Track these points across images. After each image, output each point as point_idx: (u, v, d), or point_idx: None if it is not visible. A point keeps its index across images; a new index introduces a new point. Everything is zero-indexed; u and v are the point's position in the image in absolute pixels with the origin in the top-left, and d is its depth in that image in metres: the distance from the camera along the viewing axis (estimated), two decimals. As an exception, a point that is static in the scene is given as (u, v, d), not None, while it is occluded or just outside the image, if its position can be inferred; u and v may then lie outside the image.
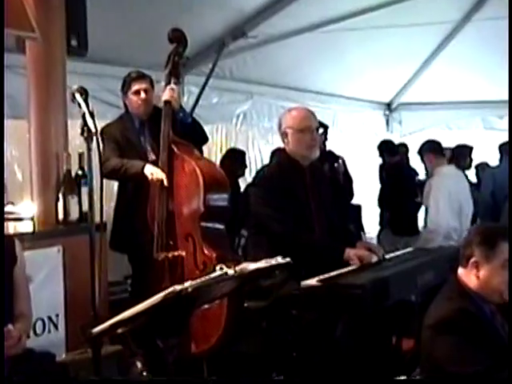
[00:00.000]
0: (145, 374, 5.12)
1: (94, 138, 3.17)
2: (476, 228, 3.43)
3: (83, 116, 3.28)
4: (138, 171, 4.99)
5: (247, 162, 8.43)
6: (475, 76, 9.50)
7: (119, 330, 2.49)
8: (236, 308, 4.44)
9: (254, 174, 7.73)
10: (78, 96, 3.38)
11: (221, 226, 4.98)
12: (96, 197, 3.43)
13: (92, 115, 3.30)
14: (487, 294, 3.26)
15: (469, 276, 3.29)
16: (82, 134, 3.24)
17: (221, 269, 2.51)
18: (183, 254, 4.84)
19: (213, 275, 2.48)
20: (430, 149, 7.36)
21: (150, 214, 4.96)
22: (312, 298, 3.93)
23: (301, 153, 4.59)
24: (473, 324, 3.11)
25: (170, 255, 4.85)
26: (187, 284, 2.33)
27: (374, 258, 4.46)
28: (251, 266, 2.69)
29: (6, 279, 3.39)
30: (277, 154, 4.73)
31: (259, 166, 8.75)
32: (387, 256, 4.60)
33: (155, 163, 4.97)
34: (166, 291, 2.32)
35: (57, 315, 4.37)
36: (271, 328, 4.65)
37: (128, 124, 5.33)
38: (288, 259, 3.05)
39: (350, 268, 4.28)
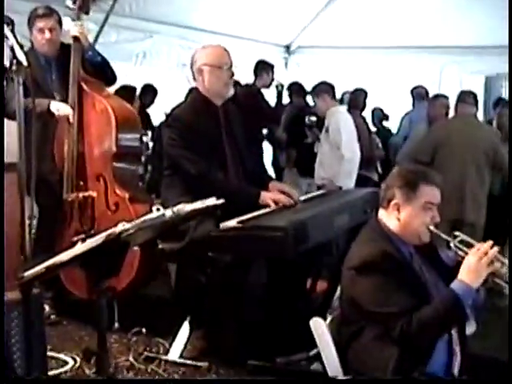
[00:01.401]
0: (53, 317, 5.07)
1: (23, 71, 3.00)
2: (397, 170, 3.43)
3: (11, 48, 3.08)
4: (44, 109, 4.81)
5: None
6: (376, 20, 9.55)
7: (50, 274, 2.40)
8: (149, 250, 4.38)
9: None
10: (5, 27, 3.17)
11: (133, 167, 4.89)
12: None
13: (21, 47, 3.12)
14: (407, 236, 3.30)
15: (390, 218, 3.31)
16: (11, 67, 3.05)
17: (157, 209, 2.45)
18: (94, 194, 4.74)
19: (151, 216, 2.41)
20: (324, 90, 7.39)
21: (59, 154, 4.83)
22: (232, 239, 3.91)
23: (217, 90, 4.52)
24: (393, 265, 3.14)
25: (80, 196, 4.73)
26: (127, 225, 2.26)
27: (290, 201, 4.48)
28: (187, 206, 2.64)
29: None
30: (192, 93, 4.60)
31: (160, 106, 8.65)
32: (301, 198, 4.63)
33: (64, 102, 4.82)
34: (107, 233, 2.24)
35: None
36: (185, 271, 4.63)
37: (33, 61, 5.09)
38: (222, 200, 3.01)
39: (267, 210, 4.27)
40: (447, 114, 7.06)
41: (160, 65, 8.96)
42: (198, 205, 2.81)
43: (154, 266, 4.76)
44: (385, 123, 9.92)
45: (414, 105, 8.63)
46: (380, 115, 9.84)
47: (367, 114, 8.95)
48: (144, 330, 4.65)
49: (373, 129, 9.21)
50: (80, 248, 2.28)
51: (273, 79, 8.46)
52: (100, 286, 2.51)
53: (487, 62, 9.96)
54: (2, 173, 4.16)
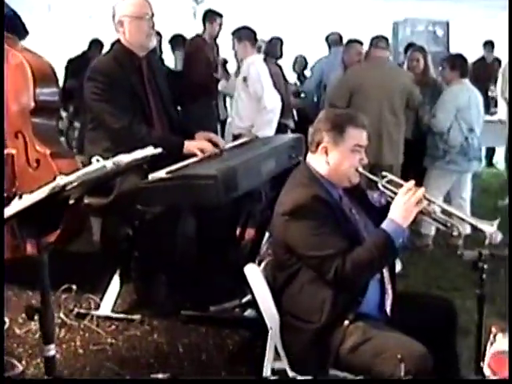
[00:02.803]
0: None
1: None
2: (325, 114, 3.43)
3: None
4: None
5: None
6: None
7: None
8: (75, 205, 4.31)
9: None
10: None
11: (52, 122, 4.78)
12: None
13: None
14: (336, 179, 3.34)
15: (318, 161, 3.34)
16: None
17: (97, 161, 2.41)
18: (13, 152, 4.62)
19: (92, 168, 2.37)
20: (246, 36, 7.31)
21: (-28, 111, 4.66)
22: (161, 190, 3.88)
23: (139, 41, 4.45)
24: (324, 208, 3.17)
25: (-2, 154, 4.61)
26: (70, 178, 2.21)
27: (215, 149, 4.46)
28: (126, 157, 2.60)
29: None
30: (115, 45, 4.50)
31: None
32: (226, 146, 4.62)
33: None
34: (51, 186, 2.19)
35: None
36: (112, 225, 4.59)
37: None
38: (159, 149, 2.98)
39: (194, 159, 4.25)
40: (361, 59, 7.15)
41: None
42: (138, 154, 2.77)
43: (80, 222, 4.69)
44: (306, 71, 9.95)
45: (329, 51, 8.67)
46: (303, 63, 9.86)
47: (287, 61, 8.95)
48: (74, 286, 4.61)
49: (294, 76, 9.24)
50: (22, 203, 2.22)
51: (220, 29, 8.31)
52: (41, 241, 2.46)
53: (395, 7, 10.09)
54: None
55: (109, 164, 2.42)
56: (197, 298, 4.46)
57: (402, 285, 4.68)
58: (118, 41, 4.52)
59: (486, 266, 2.87)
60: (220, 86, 7.49)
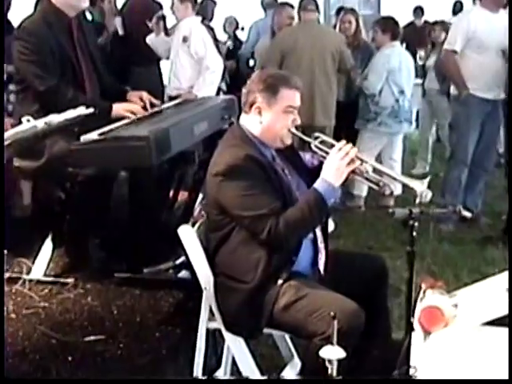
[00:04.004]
0: None
1: None
2: (258, 75, 3.43)
3: None
4: None
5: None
6: None
7: None
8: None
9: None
10: None
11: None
12: None
13: None
14: (269, 139, 3.36)
15: (252, 122, 3.35)
16: None
17: (28, 121, 2.36)
18: None
19: (22, 127, 2.32)
20: None
21: None
22: (93, 152, 3.85)
23: (69, 1, 4.34)
24: (257, 168, 3.20)
25: None
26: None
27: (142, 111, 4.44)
28: (58, 117, 2.56)
29: None
30: (42, 3, 4.38)
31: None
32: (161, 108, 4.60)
33: None
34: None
35: None
36: (43, 188, 4.53)
37: None
38: (91, 110, 2.94)
39: (126, 121, 4.21)
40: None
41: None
42: (69, 114, 2.73)
43: (9, 185, 4.62)
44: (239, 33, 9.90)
45: (265, 14, 8.66)
46: (234, 23, 9.79)
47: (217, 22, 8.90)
48: (6, 251, 4.54)
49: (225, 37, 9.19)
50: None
51: None
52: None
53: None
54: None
55: (40, 124, 2.38)
56: (130, 260, 4.46)
57: (334, 245, 4.76)
58: None
59: (416, 224, 2.93)
60: (148, 39, 7.33)
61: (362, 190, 6.78)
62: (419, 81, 9.05)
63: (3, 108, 3.85)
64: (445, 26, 8.00)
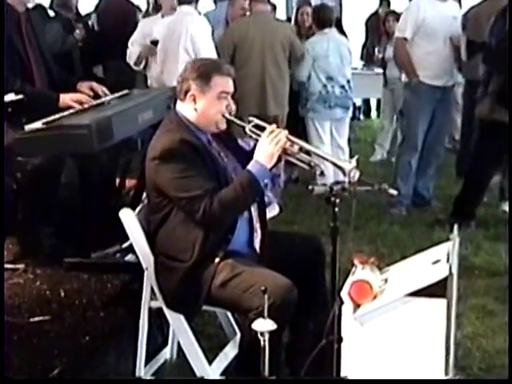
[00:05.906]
0: None
1: None
2: (191, 64, 3.57)
3: None
4: None
5: None
6: None
7: None
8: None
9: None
10: None
11: None
12: None
13: None
14: (204, 124, 3.49)
15: (187, 109, 3.48)
16: None
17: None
18: None
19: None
20: None
21: None
22: (38, 140, 3.95)
23: None
24: (192, 151, 3.33)
25: None
26: None
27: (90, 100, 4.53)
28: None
29: None
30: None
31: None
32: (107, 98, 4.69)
33: None
34: None
35: None
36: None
37: None
38: (21, 96, 3.03)
39: (71, 111, 4.32)
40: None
41: None
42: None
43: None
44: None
45: (216, 6, 8.74)
46: None
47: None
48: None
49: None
50: None
51: None
52: None
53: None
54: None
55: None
56: (79, 246, 4.56)
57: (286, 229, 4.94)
58: None
59: (337, 201, 3.06)
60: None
61: None
62: (380, 70, 9.23)
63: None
64: (397, 15, 8.13)
